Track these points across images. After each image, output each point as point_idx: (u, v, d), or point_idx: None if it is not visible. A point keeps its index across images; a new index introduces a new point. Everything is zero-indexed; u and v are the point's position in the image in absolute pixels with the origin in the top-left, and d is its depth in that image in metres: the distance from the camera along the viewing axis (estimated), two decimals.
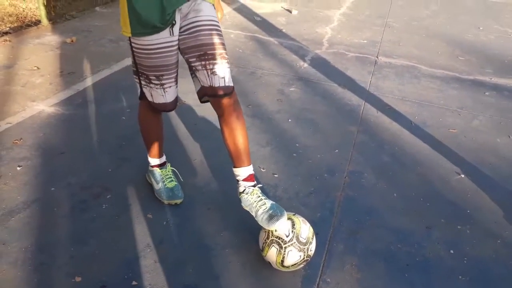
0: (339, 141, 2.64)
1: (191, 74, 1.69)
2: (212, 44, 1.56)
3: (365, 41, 4.62)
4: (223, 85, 1.60)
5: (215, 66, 1.57)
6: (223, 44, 1.60)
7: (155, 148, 1.98)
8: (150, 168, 2.05)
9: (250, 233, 1.86)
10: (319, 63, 3.88)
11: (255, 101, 3.06)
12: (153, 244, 1.76)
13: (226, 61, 1.61)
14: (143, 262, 1.67)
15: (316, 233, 1.89)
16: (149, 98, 1.72)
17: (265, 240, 1.64)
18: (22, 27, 3.94)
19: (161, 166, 2.03)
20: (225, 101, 1.62)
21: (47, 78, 3.09)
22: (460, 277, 1.75)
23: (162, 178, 2.00)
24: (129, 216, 1.90)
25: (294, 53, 4.09)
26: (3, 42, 3.60)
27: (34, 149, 2.30)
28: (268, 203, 1.67)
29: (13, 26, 3.97)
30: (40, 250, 1.68)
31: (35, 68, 3.23)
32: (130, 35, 1.54)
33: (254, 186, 1.74)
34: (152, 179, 2.04)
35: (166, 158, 2.08)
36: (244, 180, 1.74)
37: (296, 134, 2.68)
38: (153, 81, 1.63)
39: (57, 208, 1.90)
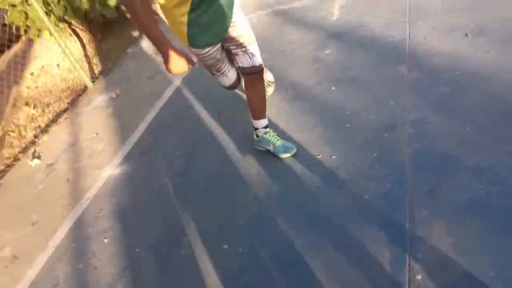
0: (391, 89, 2.40)
1: (229, 58, 2.12)
2: (247, 34, 1.98)
3: None
4: (260, 63, 2.07)
5: (253, 50, 2.02)
6: (251, 32, 2.01)
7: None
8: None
9: (335, 236, 1.79)
10: (349, 9, 3.55)
11: (292, 82, 2.91)
12: (234, 274, 1.78)
13: (256, 43, 2.04)
14: None
15: (392, 199, 1.76)
16: (222, 84, 2.25)
17: None
18: (76, 98, 4.25)
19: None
20: (260, 74, 2.10)
21: (106, 142, 3.30)
22: None
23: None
24: (206, 251, 1.95)
25: (319, 9, 3.80)
26: (64, 121, 3.93)
27: (111, 216, 2.47)
28: (281, 141, 2.27)
29: (69, 100, 4.30)
30: None
31: (94, 135, 3.47)
32: (187, 44, 1.90)
33: (269, 129, 2.31)
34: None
35: None
36: (263, 127, 2.30)
37: (343, 102, 2.49)
38: (216, 74, 2.15)
39: (144, 268, 2.03)
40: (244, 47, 1.99)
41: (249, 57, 2.02)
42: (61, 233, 2.53)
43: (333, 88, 2.66)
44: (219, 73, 2.12)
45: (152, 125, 3.24)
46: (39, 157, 3.50)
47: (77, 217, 2.61)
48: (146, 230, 2.26)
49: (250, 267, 1.79)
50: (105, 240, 2.32)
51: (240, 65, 2.05)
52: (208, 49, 1.92)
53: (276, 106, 2.72)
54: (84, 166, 3.12)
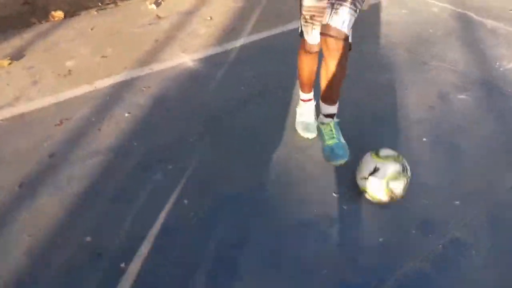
0: (474, 190, 1.89)
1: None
2: None
3: None
4: (339, 27, 1.67)
5: (340, 8, 1.66)
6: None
7: (304, 84, 2.13)
8: (300, 101, 2.21)
9: None
10: None
11: (400, 102, 2.45)
12: (179, 227, 1.73)
13: (353, 8, 1.67)
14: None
15: None
16: (305, 36, 1.91)
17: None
18: None
19: (306, 101, 2.18)
20: (334, 42, 1.71)
21: (211, 30, 3.23)
22: None
23: (303, 112, 2.19)
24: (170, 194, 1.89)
25: (507, 44, 3.03)
26: None
27: (152, 98, 2.49)
28: (335, 140, 1.97)
29: None
30: (83, 199, 1.88)
31: (209, 18, 3.41)
32: None
33: (331, 120, 2.01)
34: (297, 110, 2.24)
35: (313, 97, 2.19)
36: (324, 115, 2.02)
37: (418, 163, 2.02)
38: (308, 21, 1.83)
39: (126, 164, 2.04)
40: (335, 2, 1.67)
41: (330, 12, 1.68)
42: (109, 81, 2.64)
43: (424, 139, 2.19)
44: (309, 22, 1.82)
45: (253, 45, 3.07)
46: (158, 5, 3.58)
47: (130, 77, 2.68)
48: (160, 133, 2.24)
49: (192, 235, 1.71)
50: (126, 115, 2.36)
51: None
52: None
53: (352, 115, 2.35)
54: (177, 38, 3.13)
